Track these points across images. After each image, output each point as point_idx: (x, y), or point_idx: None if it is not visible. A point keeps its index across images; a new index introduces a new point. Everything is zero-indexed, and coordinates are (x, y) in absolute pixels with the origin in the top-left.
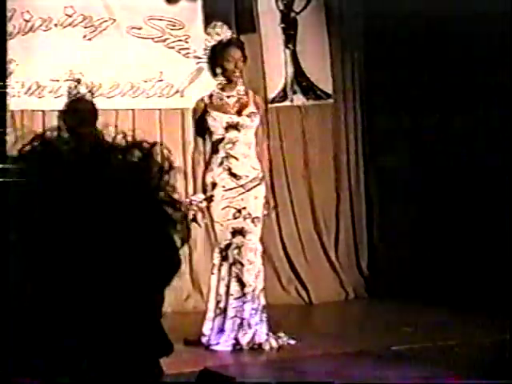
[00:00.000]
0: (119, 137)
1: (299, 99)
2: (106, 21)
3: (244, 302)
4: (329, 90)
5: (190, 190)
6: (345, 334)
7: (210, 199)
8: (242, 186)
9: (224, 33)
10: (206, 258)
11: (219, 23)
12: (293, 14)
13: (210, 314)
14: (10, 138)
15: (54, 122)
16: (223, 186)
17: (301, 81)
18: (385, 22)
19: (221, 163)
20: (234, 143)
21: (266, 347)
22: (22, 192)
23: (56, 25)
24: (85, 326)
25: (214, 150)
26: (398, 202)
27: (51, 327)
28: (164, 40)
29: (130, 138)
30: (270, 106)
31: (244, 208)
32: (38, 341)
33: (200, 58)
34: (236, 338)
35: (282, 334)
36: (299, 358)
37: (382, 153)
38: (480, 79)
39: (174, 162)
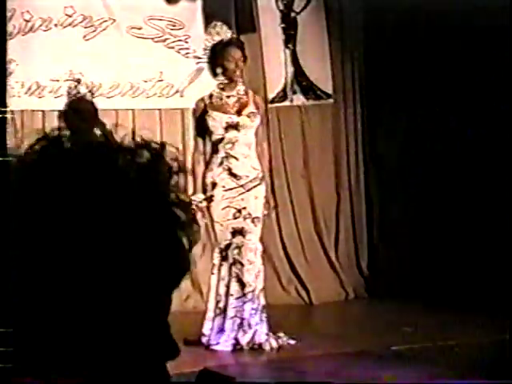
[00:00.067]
0: (128, 137)
1: (299, 99)
2: (105, 21)
3: (244, 302)
4: (329, 89)
5: (190, 190)
6: (345, 334)
7: (209, 199)
8: (242, 185)
9: (224, 33)
10: (205, 258)
11: (219, 23)
12: (293, 14)
13: (210, 314)
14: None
15: (54, 122)
16: (223, 186)
17: (301, 81)
18: (385, 21)
19: (221, 163)
20: (233, 143)
21: (266, 347)
22: (32, 194)
23: (56, 25)
24: (91, 327)
25: (214, 150)
26: (397, 202)
27: (57, 328)
28: (164, 40)
29: (139, 139)
30: (269, 106)
31: (244, 208)
32: (42, 341)
33: (200, 57)
34: (236, 338)
35: (281, 334)
36: (299, 358)
37: (382, 153)
38: (481, 77)
39: (183, 162)
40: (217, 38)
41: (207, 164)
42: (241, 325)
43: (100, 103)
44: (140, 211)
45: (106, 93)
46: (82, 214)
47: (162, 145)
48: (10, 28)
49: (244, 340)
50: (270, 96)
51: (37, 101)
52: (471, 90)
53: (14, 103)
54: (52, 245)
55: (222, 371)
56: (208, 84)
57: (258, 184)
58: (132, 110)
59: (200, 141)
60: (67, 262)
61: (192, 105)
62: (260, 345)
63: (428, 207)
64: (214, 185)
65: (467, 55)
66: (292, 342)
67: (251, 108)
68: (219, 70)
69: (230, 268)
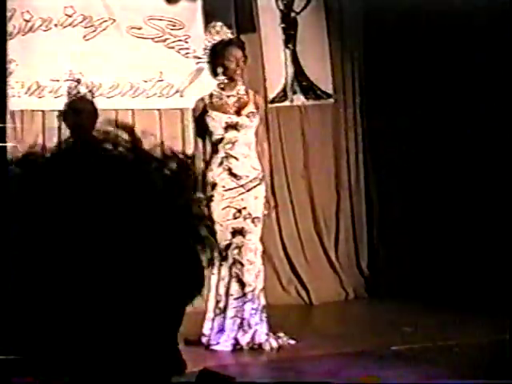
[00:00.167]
0: (157, 147)
1: (299, 99)
2: (105, 21)
3: (244, 302)
4: (329, 89)
5: None
6: (345, 334)
7: (209, 199)
8: (242, 186)
9: (224, 33)
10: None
11: (219, 23)
12: (293, 14)
13: (210, 314)
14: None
15: (54, 122)
16: (223, 186)
17: (301, 81)
18: (385, 21)
19: (221, 163)
20: (233, 143)
21: (266, 347)
22: (57, 201)
23: (56, 25)
24: (102, 338)
25: (214, 150)
26: (397, 202)
27: (66, 336)
28: (164, 40)
29: (167, 149)
30: (269, 106)
31: (244, 208)
32: (50, 348)
33: (200, 57)
34: (236, 338)
35: (281, 334)
36: (299, 358)
37: (382, 153)
38: (481, 77)
39: (199, 174)
40: (217, 38)
41: (207, 164)
42: (241, 325)
43: (100, 103)
44: (164, 223)
45: (105, 93)
46: (106, 222)
47: (188, 156)
48: (10, 28)
49: (244, 340)
50: (270, 96)
51: (37, 101)
52: (471, 89)
53: (14, 103)
54: (73, 254)
55: (222, 371)
56: (208, 84)
57: (258, 184)
58: (132, 110)
59: (200, 141)
60: (85, 271)
61: (192, 105)
62: (260, 345)
63: (428, 207)
64: (213, 185)
65: (467, 55)
66: (292, 342)
67: (251, 108)
68: (220, 70)
69: (230, 268)
